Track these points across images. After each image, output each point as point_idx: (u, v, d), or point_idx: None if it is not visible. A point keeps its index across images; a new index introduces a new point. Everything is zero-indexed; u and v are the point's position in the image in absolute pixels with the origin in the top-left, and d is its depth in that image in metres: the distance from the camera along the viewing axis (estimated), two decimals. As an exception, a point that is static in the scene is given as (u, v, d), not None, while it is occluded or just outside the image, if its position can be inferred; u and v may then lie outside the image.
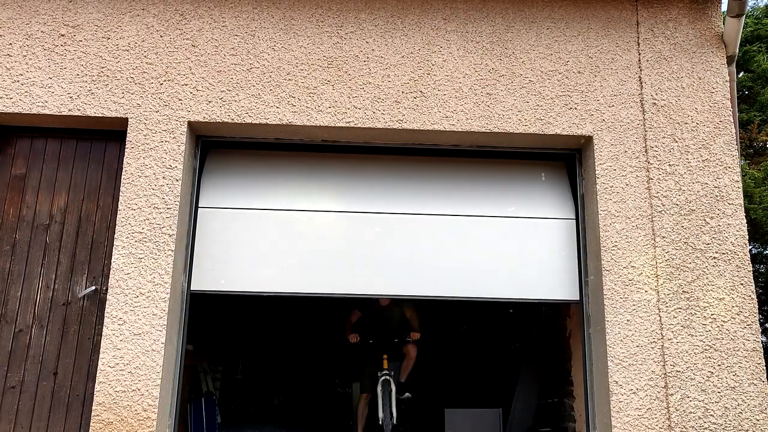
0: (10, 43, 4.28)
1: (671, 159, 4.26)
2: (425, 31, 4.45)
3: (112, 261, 3.98)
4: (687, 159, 4.27)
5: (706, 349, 3.97)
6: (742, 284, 4.08)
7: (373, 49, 4.40)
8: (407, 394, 5.85)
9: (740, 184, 4.25)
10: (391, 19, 4.47)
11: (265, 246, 4.36)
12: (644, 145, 4.29)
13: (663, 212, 4.17)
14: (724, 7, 4.78)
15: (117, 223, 4.04)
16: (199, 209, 4.39)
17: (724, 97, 4.39)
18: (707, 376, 3.93)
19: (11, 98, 4.18)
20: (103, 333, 3.88)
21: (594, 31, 4.49)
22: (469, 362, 7.72)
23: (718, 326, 4.01)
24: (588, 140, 4.36)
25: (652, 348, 3.97)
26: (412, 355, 5.94)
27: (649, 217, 4.16)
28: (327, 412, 8.19)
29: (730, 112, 4.37)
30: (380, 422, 5.56)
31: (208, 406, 5.92)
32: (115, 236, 4.01)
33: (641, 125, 4.32)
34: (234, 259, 4.31)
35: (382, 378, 5.73)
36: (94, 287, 4.13)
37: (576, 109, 4.34)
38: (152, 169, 4.12)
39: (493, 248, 4.44)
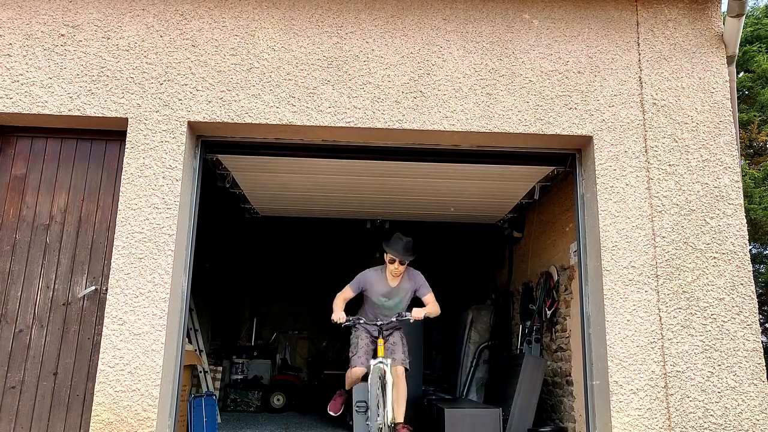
0: (10, 43, 4.28)
1: (671, 159, 4.26)
2: (425, 31, 4.45)
3: (112, 261, 3.98)
4: (687, 159, 4.27)
5: (706, 349, 3.97)
6: (742, 284, 4.07)
7: (373, 49, 4.40)
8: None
9: (740, 184, 4.24)
10: (391, 19, 4.47)
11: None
12: (644, 145, 4.28)
13: (663, 212, 4.16)
14: (724, 7, 4.78)
15: (117, 223, 4.04)
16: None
17: (724, 97, 4.39)
18: (707, 376, 3.93)
19: (11, 98, 4.18)
20: (103, 333, 3.88)
21: (594, 31, 4.49)
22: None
23: (718, 326, 4.00)
24: (588, 140, 4.36)
25: (652, 348, 3.97)
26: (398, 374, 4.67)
27: (649, 217, 4.16)
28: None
29: (730, 112, 4.36)
30: (379, 421, 4.47)
31: (208, 406, 5.92)
32: (115, 236, 4.01)
33: (641, 125, 4.32)
34: None
35: (376, 366, 4.56)
36: (94, 287, 4.13)
37: (576, 109, 4.34)
38: (152, 169, 4.12)
39: None
